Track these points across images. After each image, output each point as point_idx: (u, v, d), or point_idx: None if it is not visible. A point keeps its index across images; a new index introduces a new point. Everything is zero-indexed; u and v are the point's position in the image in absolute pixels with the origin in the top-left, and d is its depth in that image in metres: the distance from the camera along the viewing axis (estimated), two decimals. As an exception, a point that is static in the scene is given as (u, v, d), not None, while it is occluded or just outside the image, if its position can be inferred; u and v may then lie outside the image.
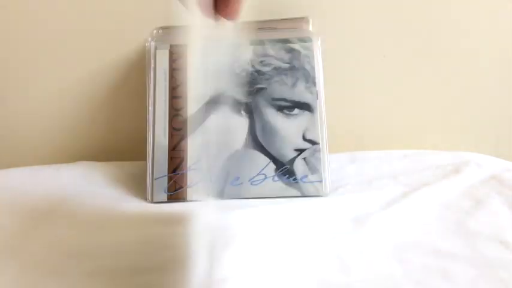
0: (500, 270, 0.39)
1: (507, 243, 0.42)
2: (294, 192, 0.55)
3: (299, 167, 0.56)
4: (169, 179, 0.55)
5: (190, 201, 0.55)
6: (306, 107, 0.57)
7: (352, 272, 0.39)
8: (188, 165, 0.56)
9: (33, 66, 0.68)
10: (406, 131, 0.70)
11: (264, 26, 0.61)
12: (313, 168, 0.56)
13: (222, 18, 0.31)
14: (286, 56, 0.58)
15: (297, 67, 0.57)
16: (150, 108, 0.57)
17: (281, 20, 0.62)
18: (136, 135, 0.65)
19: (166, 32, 0.62)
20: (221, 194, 0.55)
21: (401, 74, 0.68)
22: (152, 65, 0.58)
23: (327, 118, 0.57)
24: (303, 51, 0.58)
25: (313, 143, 0.56)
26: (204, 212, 0.50)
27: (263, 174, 0.56)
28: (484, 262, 0.40)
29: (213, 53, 0.36)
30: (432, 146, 0.68)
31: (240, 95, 0.57)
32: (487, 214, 0.48)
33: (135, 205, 0.54)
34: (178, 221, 0.49)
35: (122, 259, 0.42)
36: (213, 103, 0.47)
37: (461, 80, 0.68)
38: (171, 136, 0.57)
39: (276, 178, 0.55)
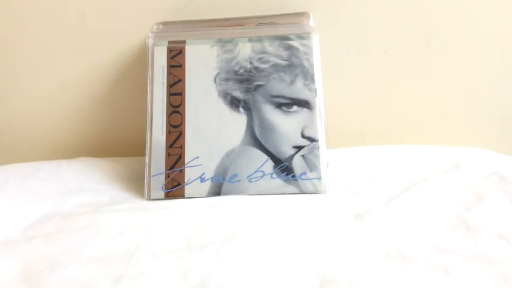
0: (501, 266, 0.38)
1: (508, 239, 0.42)
2: (293, 189, 0.55)
3: (297, 164, 0.55)
4: (167, 176, 0.55)
5: (188, 198, 0.54)
6: (304, 104, 0.56)
7: (353, 268, 0.39)
8: (186, 162, 0.55)
9: (33, 64, 0.68)
10: (406, 126, 0.69)
11: (264, 21, 0.61)
12: (312, 166, 0.55)
13: None
14: (284, 53, 0.57)
15: (295, 64, 0.57)
16: (148, 105, 0.57)
17: (281, 15, 0.61)
18: (136, 131, 0.65)
19: (166, 27, 0.62)
20: (219, 191, 0.55)
21: (402, 69, 0.67)
22: (150, 62, 0.58)
23: (327, 114, 0.57)
24: (301, 48, 0.57)
25: (311, 140, 0.56)
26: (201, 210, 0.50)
27: (261, 171, 0.55)
28: (485, 257, 0.39)
29: None
30: (433, 141, 0.67)
31: (239, 92, 0.57)
32: (488, 209, 0.47)
33: (132, 202, 0.54)
34: (176, 218, 0.49)
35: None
36: None
37: (463, 75, 0.67)
38: (168, 133, 0.56)
39: (274, 175, 0.55)
